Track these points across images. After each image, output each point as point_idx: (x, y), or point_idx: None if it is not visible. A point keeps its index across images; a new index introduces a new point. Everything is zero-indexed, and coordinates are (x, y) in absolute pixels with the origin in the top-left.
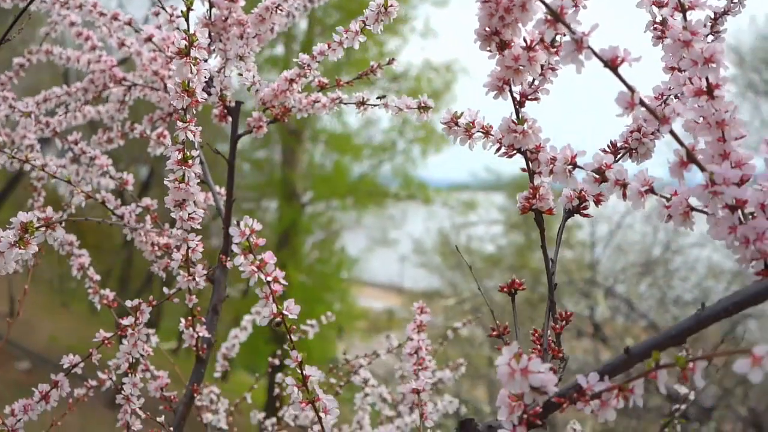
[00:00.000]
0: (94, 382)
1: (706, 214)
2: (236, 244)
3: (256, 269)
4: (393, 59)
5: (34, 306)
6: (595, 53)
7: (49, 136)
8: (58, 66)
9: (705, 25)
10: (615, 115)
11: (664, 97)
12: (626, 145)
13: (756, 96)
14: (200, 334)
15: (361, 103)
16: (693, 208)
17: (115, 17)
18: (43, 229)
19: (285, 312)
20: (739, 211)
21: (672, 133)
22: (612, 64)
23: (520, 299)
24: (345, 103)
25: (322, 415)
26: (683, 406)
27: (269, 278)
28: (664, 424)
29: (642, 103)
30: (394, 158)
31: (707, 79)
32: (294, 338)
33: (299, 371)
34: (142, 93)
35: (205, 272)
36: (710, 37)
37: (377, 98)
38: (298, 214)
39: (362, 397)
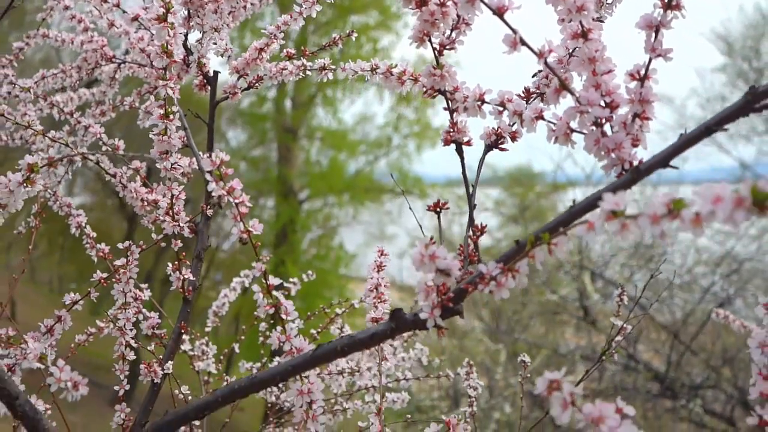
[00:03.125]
0: (93, 329)
1: (582, 133)
2: (208, 172)
3: (226, 193)
4: (352, 31)
5: (34, 307)
6: (485, 4)
7: (48, 112)
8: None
9: None
10: (501, 53)
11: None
12: (537, 90)
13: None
14: (186, 277)
15: (323, 68)
16: (572, 130)
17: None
18: (47, 167)
19: (251, 229)
20: (607, 128)
21: (546, 65)
22: (499, 11)
23: (517, 292)
24: (309, 70)
25: (283, 316)
26: (618, 338)
27: (237, 201)
28: (602, 352)
29: (522, 42)
30: (389, 154)
31: (581, 24)
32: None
33: (264, 281)
34: (131, 70)
35: (188, 219)
36: None
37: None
38: (295, 212)
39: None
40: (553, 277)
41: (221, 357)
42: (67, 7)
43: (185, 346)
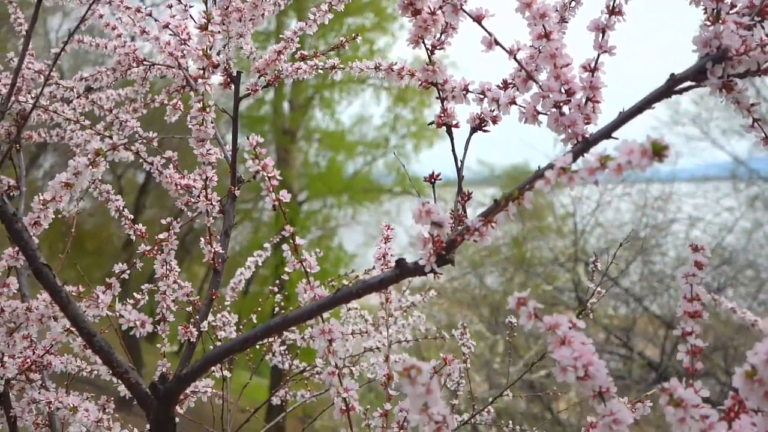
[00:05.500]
0: (132, 301)
1: (545, 114)
2: (246, 151)
3: (261, 169)
4: (357, 35)
5: None
6: (467, 13)
7: (86, 109)
8: None
9: None
10: (480, 51)
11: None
12: (513, 81)
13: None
14: (216, 250)
15: (333, 67)
16: (538, 111)
17: (138, 10)
18: (111, 150)
19: (281, 197)
20: (566, 110)
21: (516, 60)
22: (478, 19)
23: (515, 286)
24: (320, 69)
25: (309, 269)
26: (593, 300)
27: (270, 175)
28: (578, 312)
29: (496, 42)
30: (387, 154)
31: (544, 27)
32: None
33: (292, 241)
34: (159, 71)
35: (219, 198)
36: (573, 3)
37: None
38: (294, 213)
39: (346, 311)
40: (549, 271)
41: (240, 326)
42: (101, 16)
43: (209, 319)
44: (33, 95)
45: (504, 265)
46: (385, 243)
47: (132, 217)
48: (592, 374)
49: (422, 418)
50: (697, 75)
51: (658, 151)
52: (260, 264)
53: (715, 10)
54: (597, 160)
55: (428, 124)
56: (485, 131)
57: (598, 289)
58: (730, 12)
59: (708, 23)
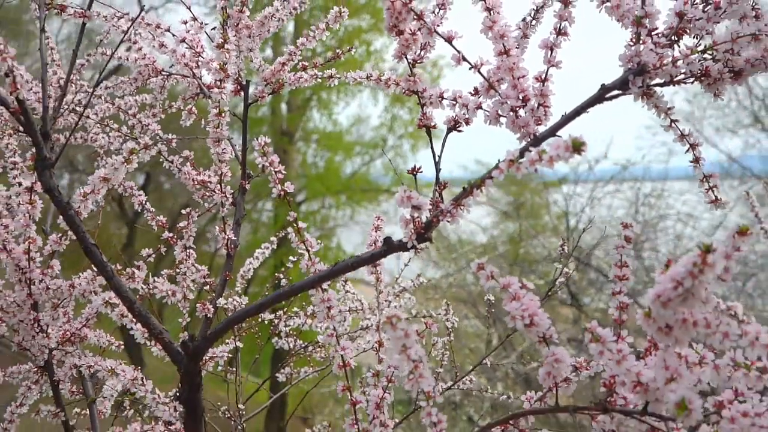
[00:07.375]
0: (159, 279)
1: (505, 117)
2: (256, 150)
3: (268, 165)
4: (351, 47)
5: None
6: (439, 34)
7: (111, 113)
8: None
9: (530, 14)
10: (451, 67)
11: None
12: (479, 90)
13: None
14: (229, 237)
15: (331, 77)
16: (500, 115)
17: (158, 26)
18: (143, 150)
19: (286, 188)
20: (522, 113)
21: (480, 73)
22: (449, 39)
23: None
24: (320, 78)
25: (309, 248)
26: (561, 280)
27: (276, 169)
28: (548, 290)
29: (464, 58)
30: (384, 154)
31: (503, 45)
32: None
33: (295, 225)
34: (175, 80)
35: (232, 191)
36: (534, 21)
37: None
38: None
39: (344, 293)
40: (543, 268)
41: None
42: (124, 32)
43: (221, 301)
44: (64, 102)
45: (499, 262)
46: (376, 232)
47: (153, 210)
48: (537, 322)
49: (401, 357)
50: (622, 85)
51: (577, 146)
52: (267, 255)
53: (636, 33)
54: (536, 154)
55: (418, 127)
56: (459, 131)
57: (566, 270)
58: (653, 33)
59: (631, 43)
